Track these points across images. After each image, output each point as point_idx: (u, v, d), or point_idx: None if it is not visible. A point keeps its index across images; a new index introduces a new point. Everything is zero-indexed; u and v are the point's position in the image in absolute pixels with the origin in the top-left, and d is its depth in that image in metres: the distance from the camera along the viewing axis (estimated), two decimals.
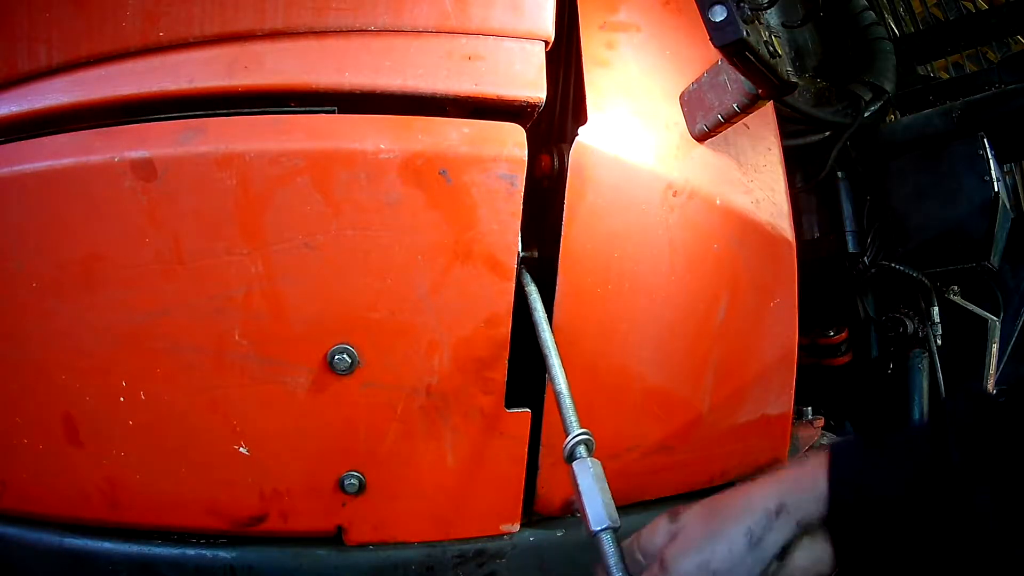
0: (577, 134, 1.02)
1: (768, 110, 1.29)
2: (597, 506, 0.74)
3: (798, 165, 1.62)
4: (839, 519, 0.69)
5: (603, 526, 0.73)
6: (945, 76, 2.53)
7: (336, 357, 0.96)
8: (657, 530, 0.76)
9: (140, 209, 0.91)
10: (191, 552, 1.04)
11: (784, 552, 0.70)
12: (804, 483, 0.70)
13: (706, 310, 1.14)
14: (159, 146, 0.90)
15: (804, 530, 0.70)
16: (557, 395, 0.87)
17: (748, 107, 1.05)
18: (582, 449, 0.80)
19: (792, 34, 1.68)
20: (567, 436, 0.82)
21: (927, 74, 2.25)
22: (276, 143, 0.91)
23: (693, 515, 0.75)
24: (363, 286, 0.96)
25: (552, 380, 0.90)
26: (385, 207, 0.94)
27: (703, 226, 1.11)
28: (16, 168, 0.91)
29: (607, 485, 0.77)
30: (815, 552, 0.70)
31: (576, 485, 0.77)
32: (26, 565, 1.05)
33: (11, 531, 1.04)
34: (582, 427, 0.82)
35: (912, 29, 2.50)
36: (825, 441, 1.45)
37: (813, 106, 1.54)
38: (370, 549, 1.07)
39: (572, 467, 0.79)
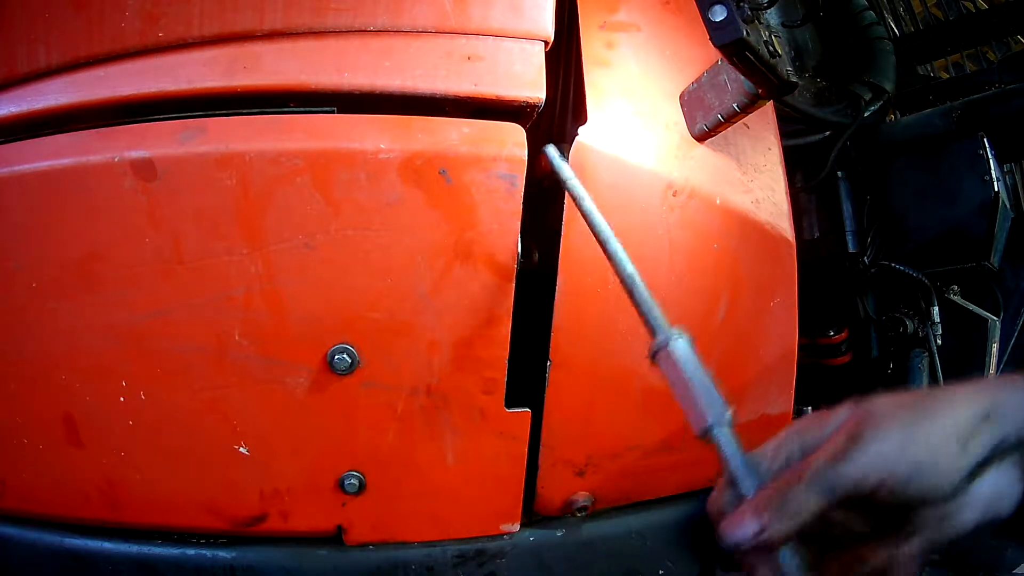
0: (577, 134, 1.02)
1: (768, 110, 1.29)
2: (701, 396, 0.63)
3: (798, 165, 1.61)
4: None
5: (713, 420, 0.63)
6: (945, 76, 2.53)
7: (336, 357, 0.96)
8: (835, 413, 0.65)
9: (140, 209, 0.91)
10: (191, 552, 1.04)
11: (975, 472, 0.57)
12: (1016, 395, 0.58)
13: (706, 310, 1.14)
14: (159, 146, 0.90)
15: (1000, 451, 0.57)
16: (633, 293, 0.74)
17: (748, 107, 1.05)
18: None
19: (792, 34, 1.68)
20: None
21: (927, 74, 2.24)
22: (276, 143, 0.91)
23: (886, 402, 0.64)
24: (363, 286, 0.96)
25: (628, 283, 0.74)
26: (385, 207, 0.94)
27: (703, 226, 1.11)
28: (16, 168, 0.91)
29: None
30: (1000, 482, 0.57)
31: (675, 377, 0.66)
32: (26, 565, 1.05)
33: (11, 531, 1.05)
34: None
35: (912, 29, 2.50)
36: None
37: (813, 106, 1.54)
38: (370, 549, 1.08)
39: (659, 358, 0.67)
